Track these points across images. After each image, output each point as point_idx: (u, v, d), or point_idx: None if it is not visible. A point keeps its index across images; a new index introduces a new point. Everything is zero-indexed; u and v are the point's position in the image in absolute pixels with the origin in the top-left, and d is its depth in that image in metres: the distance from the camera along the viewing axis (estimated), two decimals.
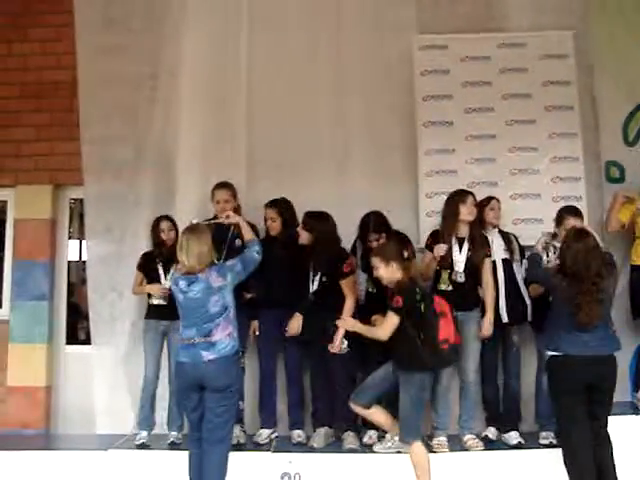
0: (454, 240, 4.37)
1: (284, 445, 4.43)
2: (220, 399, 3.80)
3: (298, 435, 4.47)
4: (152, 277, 4.68)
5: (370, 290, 4.52)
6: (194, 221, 4.06)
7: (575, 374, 3.72)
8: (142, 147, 5.10)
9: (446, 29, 5.12)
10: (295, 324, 4.39)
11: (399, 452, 4.14)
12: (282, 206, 4.59)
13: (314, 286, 4.39)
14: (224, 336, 3.83)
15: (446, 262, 4.33)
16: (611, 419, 4.04)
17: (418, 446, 3.92)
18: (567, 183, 4.93)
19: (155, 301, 4.64)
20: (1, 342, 5.15)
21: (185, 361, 3.83)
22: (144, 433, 4.52)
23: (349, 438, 4.35)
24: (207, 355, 3.79)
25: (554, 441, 4.22)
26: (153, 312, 4.67)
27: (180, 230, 4.30)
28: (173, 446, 4.47)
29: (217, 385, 3.79)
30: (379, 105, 5.06)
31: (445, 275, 4.35)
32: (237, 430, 4.35)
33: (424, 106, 5.06)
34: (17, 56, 5.40)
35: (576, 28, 5.10)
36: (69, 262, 5.46)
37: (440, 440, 4.31)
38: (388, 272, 3.96)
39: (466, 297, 4.33)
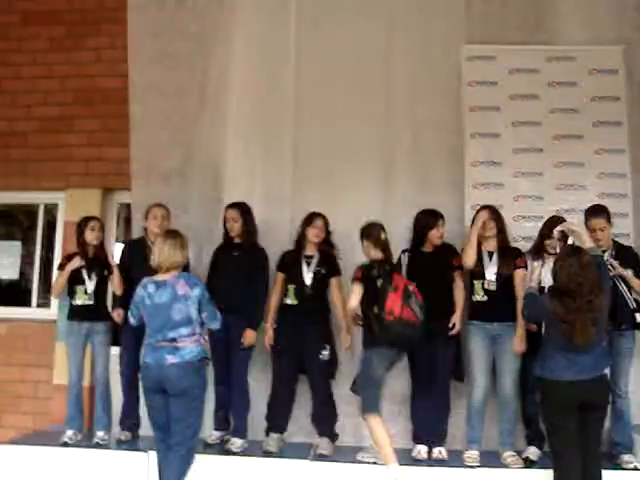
0: (484, 253, 4.42)
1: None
2: (181, 404, 3.84)
3: (232, 443, 4.46)
4: (75, 279, 4.67)
5: None
6: None
7: (568, 396, 3.61)
8: (190, 154, 5.19)
9: (495, 40, 5.10)
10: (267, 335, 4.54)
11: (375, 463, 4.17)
12: (244, 208, 4.67)
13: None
14: (190, 342, 3.88)
15: (478, 272, 4.37)
16: None
17: (371, 419, 4.00)
18: (614, 199, 4.83)
19: (79, 301, 4.64)
20: (49, 341, 5.31)
21: (149, 362, 3.90)
22: (70, 432, 4.58)
23: (323, 444, 4.39)
24: (170, 359, 3.84)
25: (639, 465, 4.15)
26: (76, 313, 4.67)
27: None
28: (98, 447, 4.53)
29: (177, 389, 3.83)
30: (426, 114, 5.06)
31: (478, 285, 4.37)
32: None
33: (471, 117, 5.05)
34: (73, 64, 5.59)
35: (628, 42, 5.03)
36: None
37: (471, 454, 4.30)
38: (364, 249, 4.24)
39: (500, 307, 4.33)
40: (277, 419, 4.51)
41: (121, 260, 4.86)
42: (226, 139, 5.18)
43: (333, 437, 4.50)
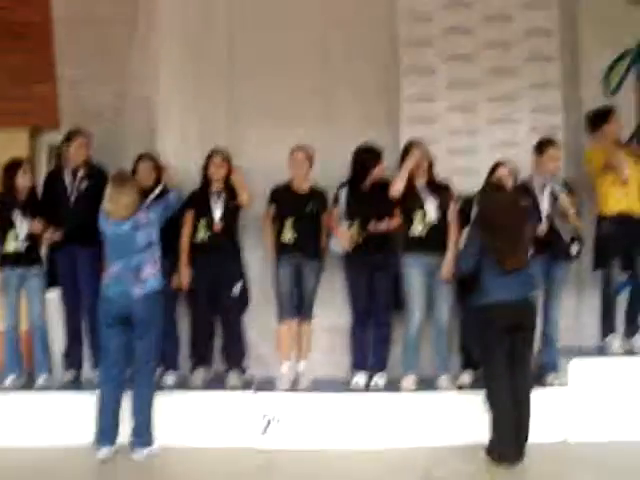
0: (420, 187, 4.52)
1: (265, 386, 4.54)
2: (147, 334, 4.01)
3: (171, 379, 4.61)
4: (5, 223, 4.58)
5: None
6: None
7: (501, 317, 3.89)
8: (121, 91, 5.05)
9: None
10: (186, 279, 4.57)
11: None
12: (153, 159, 4.72)
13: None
14: (152, 273, 4.06)
15: (416, 206, 4.47)
16: (579, 361, 4.36)
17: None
18: (546, 133, 4.95)
19: (10, 248, 4.56)
20: None
21: (113, 295, 4.01)
22: (10, 377, 4.58)
23: (233, 377, 4.56)
24: (137, 290, 3.99)
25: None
26: (8, 259, 4.59)
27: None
28: (41, 389, 4.53)
29: (144, 319, 3.99)
30: (362, 49, 5.05)
31: (418, 218, 4.48)
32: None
33: (406, 52, 5.04)
34: None
35: None
36: None
37: (408, 379, 4.48)
38: None
39: (437, 240, 4.46)
40: (200, 354, 4.63)
41: (43, 193, 4.79)
42: (158, 76, 5.01)
43: (243, 370, 4.65)
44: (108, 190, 4.07)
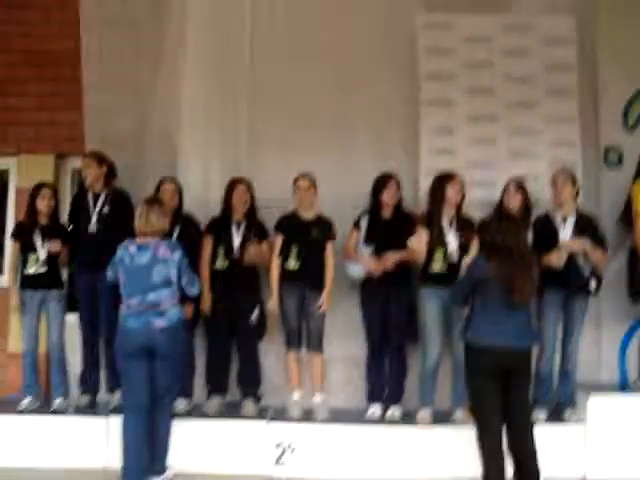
0: (445, 221, 4.48)
1: (280, 415, 4.53)
2: (168, 367, 3.99)
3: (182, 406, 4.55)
4: (27, 247, 4.66)
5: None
6: None
7: (493, 361, 3.69)
8: (145, 120, 5.12)
9: (451, 8, 5.10)
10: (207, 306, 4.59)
11: None
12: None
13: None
14: (172, 305, 4.01)
15: (439, 241, 4.43)
16: (597, 398, 4.28)
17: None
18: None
19: (31, 270, 4.64)
20: (3, 310, 5.23)
21: (133, 327, 3.96)
22: (26, 400, 4.60)
23: (248, 405, 4.53)
24: (159, 322, 3.94)
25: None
26: (28, 282, 4.66)
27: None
28: (56, 413, 4.55)
29: (167, 351, 3.95)
30: (383, 82, 5.08)
31: (439, 254, 4.44)
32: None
33: (427, 85, 5.08)
34: (19, 23, 5.37)
35: (582, 12, 5.09)
36: None
37: (424, 413, 4.44)
38: None
39: (458, 274, 4.36)
40: (216, 382, 4.63)
41: (70, 215, 4.90)
42: (181, 106, 5.10)
43: (258, 399, 4.63)
44: (139, 209, 4.09)
